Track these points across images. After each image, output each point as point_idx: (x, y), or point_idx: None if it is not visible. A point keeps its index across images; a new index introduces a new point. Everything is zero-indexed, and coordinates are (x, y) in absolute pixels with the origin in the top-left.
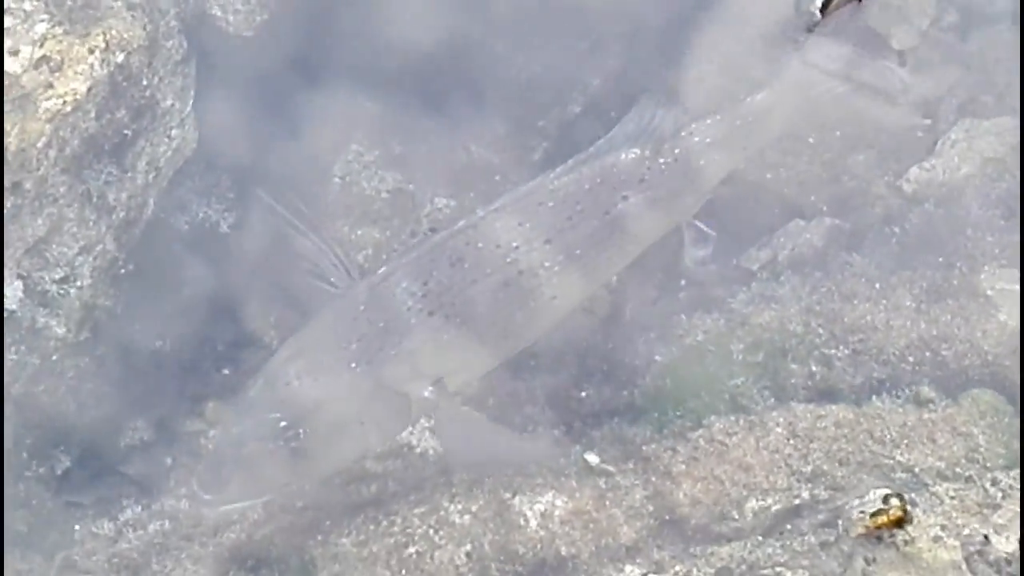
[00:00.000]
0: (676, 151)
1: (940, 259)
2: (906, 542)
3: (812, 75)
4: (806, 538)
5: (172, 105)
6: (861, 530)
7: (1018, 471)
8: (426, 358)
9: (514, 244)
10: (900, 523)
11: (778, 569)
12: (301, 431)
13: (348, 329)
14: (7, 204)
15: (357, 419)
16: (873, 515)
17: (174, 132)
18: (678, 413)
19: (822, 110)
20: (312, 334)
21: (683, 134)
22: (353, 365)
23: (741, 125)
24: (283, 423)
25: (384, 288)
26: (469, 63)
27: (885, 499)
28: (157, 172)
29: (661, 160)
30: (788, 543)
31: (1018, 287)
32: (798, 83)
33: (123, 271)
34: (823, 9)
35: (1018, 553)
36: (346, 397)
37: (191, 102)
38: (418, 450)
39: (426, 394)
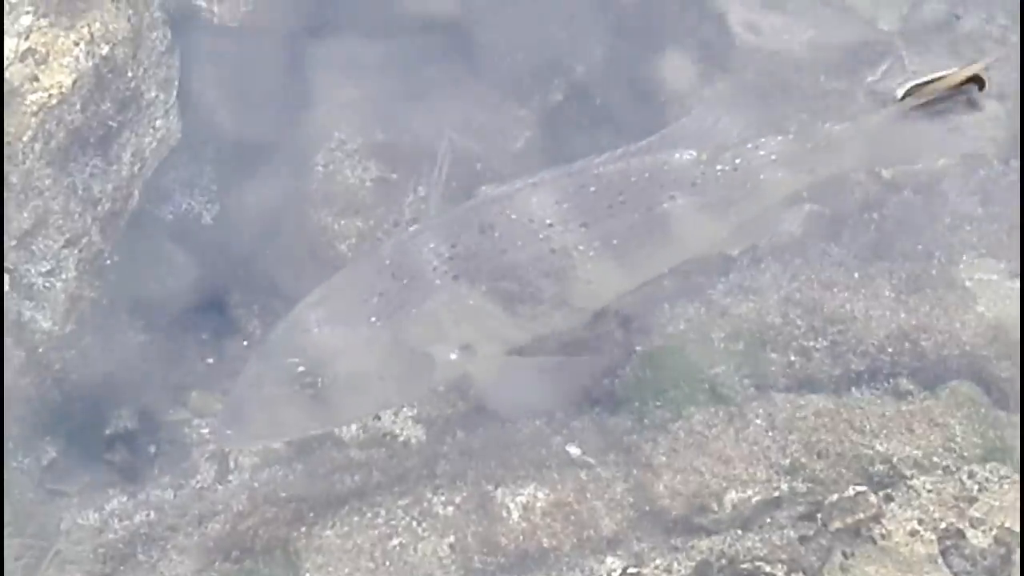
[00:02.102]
0: (737, 160)
1: (919, 247)
2: (883, 536)
3: (897, 133)
4: (785, 531)
5: (156, 96)
6: (838, 525)
7: (995, 464)
8: (449, 321)
9: (548, 221)
10: (876, 518)
11: (757, 563)
12: (319, 379)
13: (371, 283)
14: None
15: (376, 373)
16: (850, 510)
17: (159, 123)
18: (658, 403)
19: (904, 148)
20: (337, 284)
21: (748, 145)
22: (373, 319)
23: (812, 149)
24: (300, 368)
25: (411, 246)
26: (452, 51)
27: (860, 494)
28: (142, 163)
29: (719, 167)
30: (767, 536)
31: (996, 277)
32: (882, 128)
33: (108, 263)
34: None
35: (993, 547)
36: (365, 350)
37: (175, 93)
38: (401, 439)
39: (452, 357)
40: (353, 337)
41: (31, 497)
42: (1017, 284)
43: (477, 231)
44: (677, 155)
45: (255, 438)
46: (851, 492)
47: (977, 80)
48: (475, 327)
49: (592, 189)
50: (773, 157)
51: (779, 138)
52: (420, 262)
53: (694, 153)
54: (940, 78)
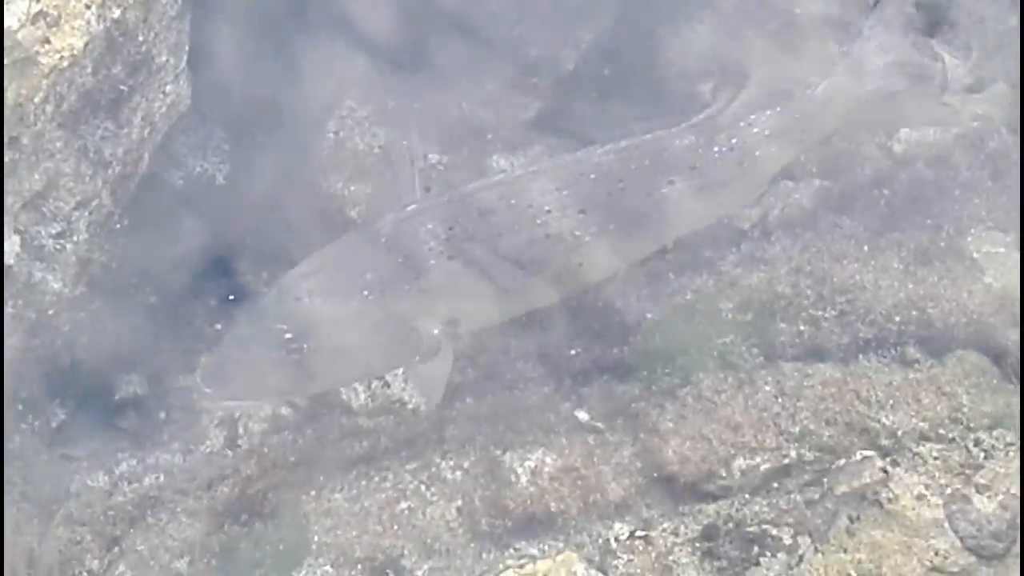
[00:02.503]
0: (733, 140)
1: (928, 221)
2: (890, 500)
3: (869, 69)
4: (792, 496)
5: (167, 61)
6: (845, 489)
7: (1001, 431)
8: (439, 299)
9: (547, 208)
10: (884, 483)
11: (764, 526)
12: (305, 346)
13: (367, 257)
14: (4, 159)
15: (362, 344)
16: (856, 475)
17: (168, 88)
18: (667, 371)
19: (876, 106)
20: (331, 255)
21: (741, 124)
22: (365, 293)
23: (800, 118)
24: (288, 335)
25: (409, 225)
26: (461, 20)
27: (868, 459)
28: (152, 127)
29: (716, 148)
30: (774, 501)
31: (1003, 249)
32: (856, 76)
33: (118, 226)
34: None
35: (999, 512)
36: (353, 322)
37: (185, 58)
38: (410, 406)
39: (435, 331)
40: (344, 309)
41: (43, 459)
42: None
43: (476, 214)
44: (676, 141)
45: (234, 397)
46: (858, 456)
47: None
48: (463, 304)
49: (592, 176)
50: (767, 132)
51: (768, 112)
52: (417, 241)
53: (692, 137)
54: None
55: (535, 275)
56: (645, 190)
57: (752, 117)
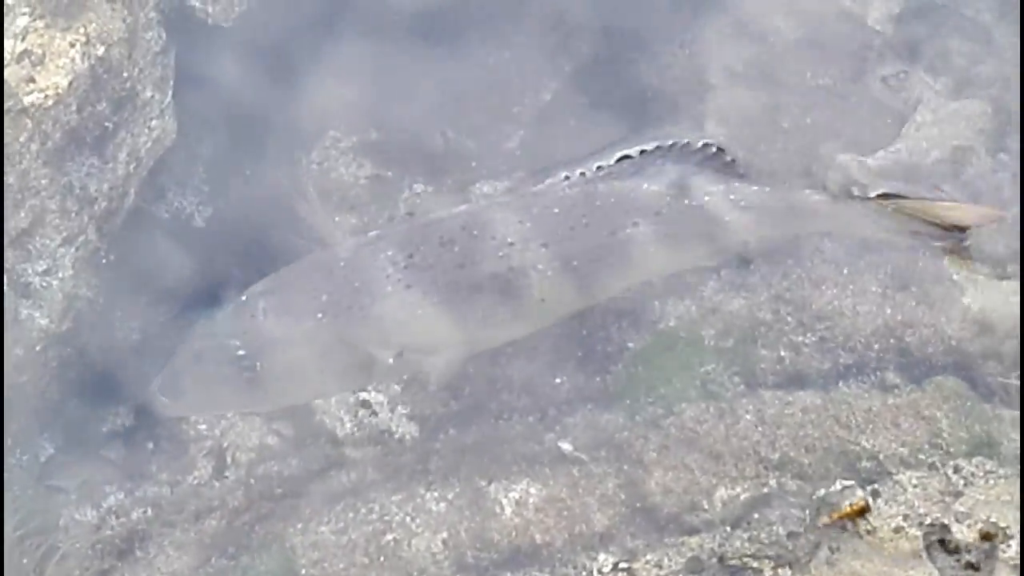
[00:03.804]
0: (705, 198)
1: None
2: (869, 531)
3: (873, 225)
4: (773, 528)
5: (152, 96)
6: (826, 520)
7: (980, 459)
8: (395, 327)
9: (509, 240)
10: (862, 513)
11: (745, 559)
12: (257, 364)
13: (323, 280)
14: None
15: (315, 366)
16: (837, 505)
17: (154, 123)
18: (650, 400)
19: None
20: (288, 276)
21: (720, 187)
22: (320, 315)
23: (784, 209)
24: (241, 352)
25: (368, 250)
26: (442, 50)
27: (847, 489)
28: (138, 162)
29: (686, 200)
30: (755, 533)
31: (985, 270)
32: (859, 219)
33: (104, 261)
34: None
35: (977, 541)
36: (306, 343)
37: (170, 93)
38: (396, 436)
39: (391, 361)
40: (297, 329)
41: (31, 494)
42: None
43: (437, 244)
44: (645, 185)
45: (189, 409)
46: (838, 486)
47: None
48: (420, 335)
49: (556, 210)
50: (743, 203)
51: (755, 188)
52: (375, 267)
53: (662, 186)
54: (925, 201)
55: (497, 309)
56: (609, 228)
57: (735, 185)
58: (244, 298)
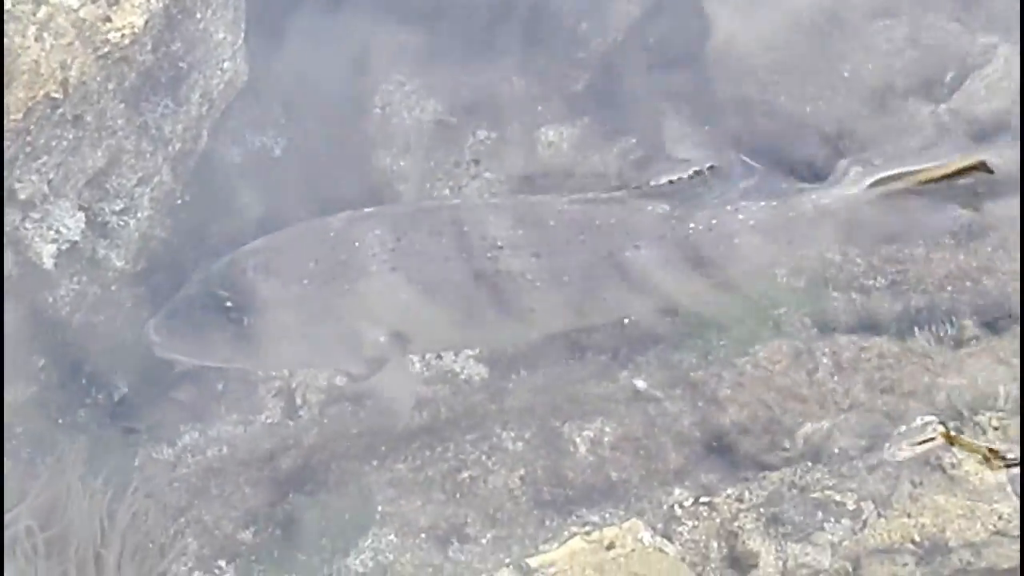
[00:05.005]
0: (713, 221)
1: None
2: (953, 466)
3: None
4: (854, 462)
5: (224, 38)
6: (908, 454)
7: None
8: (378, 307)
9: (499, 243)
10: (946, 448)
11: (827, 492)
12: (245, 319)
13: (312, 248)
14: (69, 136)
15: (299, 331)
16: (920, 441)
17: (226, 64)
18: (722, 341)
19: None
20: (282, 238)
21: (728, 207)
22: (305, 282)
23: (794, 218)
24: (228, 303)
25: (359, 226)
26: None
27: (929, 425)
28: (210, 104)
29: (691, 225)
30: (836, 467)
31: None
32: (868, 200)
33: (179, 202)
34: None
35: None
36: (291, 307)
37: (242, 35)
38: (463, 376)
39: (381, 339)
40: (282, 291)
41: (107, 432)
42: None
43: (426, 233)
44: (650, 207)
45: (178, 352)
46: (919, 422)
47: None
48: (405, 319)
49: (552, 223)
50: (751, 223)
51: (761, 203)
52: (363, 244)
53: (667, 207)
54: (923, 169)
55: (481, 309)
56: (607, 248)
57: (742, 204)
58: (237, 253)
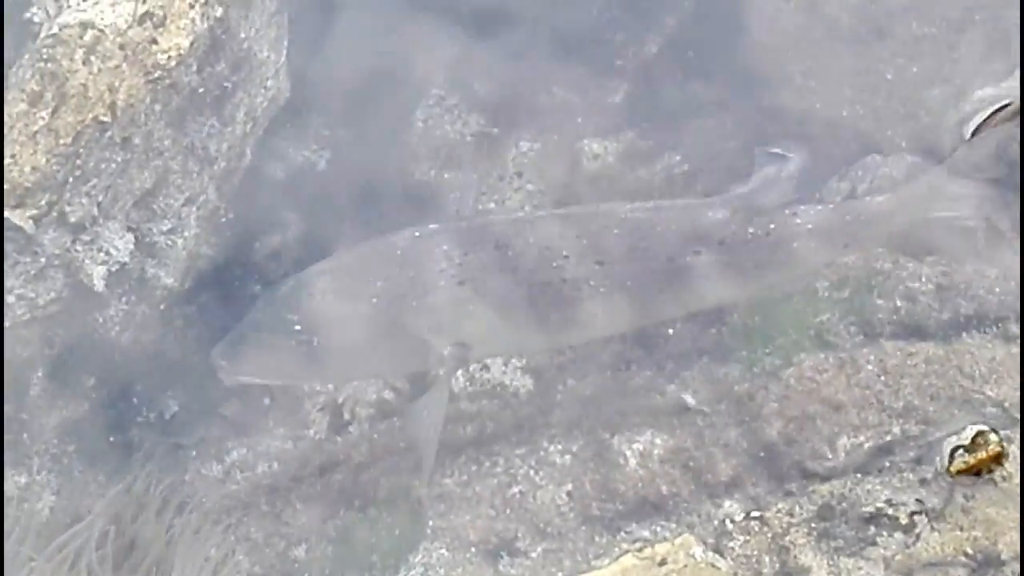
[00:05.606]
0: (771, 226)
1: None
2: (1004, 478)
3: (941, 197)
4: (905, 475)
5: (268, 56)
6: (960, 467)
7: None
8: (447, 319)
9: (564, 253)
10: (998, 459)
11: (879, 506)
12: (314, 339)
13: (380, 266)
14: (117, 159)
15: (369, 347)
16: (971, 451)
17: (269, 83)
18: (767, 351)
19: (936, 235)
20: (348, 258)
21: (786, 211)
22: (374, 300)
23: (851, 221)
24: (297, 327)
25: (426, 243)
26: (546, 4)
27: (982, 435)
28: (254, 122)
29: (751, 229)
30: (888, 480)
31: None
32: (925, 199)
33: (224, 220)
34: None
35: None
36: (361, 325)
37: (285, 52)
38: (511, 389)
39: (446, 352)
40: (351, 311)
41: (159, 450)
42: None
43: (492, 246)
44: (710, 213)
45: (245, 375)
46: (971, 432)
47: None
48: (473, 329)
49: (615, 231)
50: (809, 227)
51: (819, 207)
52: (430, 260)
53: (727, 212)
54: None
55: (547, 316)
56: (668, 254)
57: (800, 207)
58: (302, 276)
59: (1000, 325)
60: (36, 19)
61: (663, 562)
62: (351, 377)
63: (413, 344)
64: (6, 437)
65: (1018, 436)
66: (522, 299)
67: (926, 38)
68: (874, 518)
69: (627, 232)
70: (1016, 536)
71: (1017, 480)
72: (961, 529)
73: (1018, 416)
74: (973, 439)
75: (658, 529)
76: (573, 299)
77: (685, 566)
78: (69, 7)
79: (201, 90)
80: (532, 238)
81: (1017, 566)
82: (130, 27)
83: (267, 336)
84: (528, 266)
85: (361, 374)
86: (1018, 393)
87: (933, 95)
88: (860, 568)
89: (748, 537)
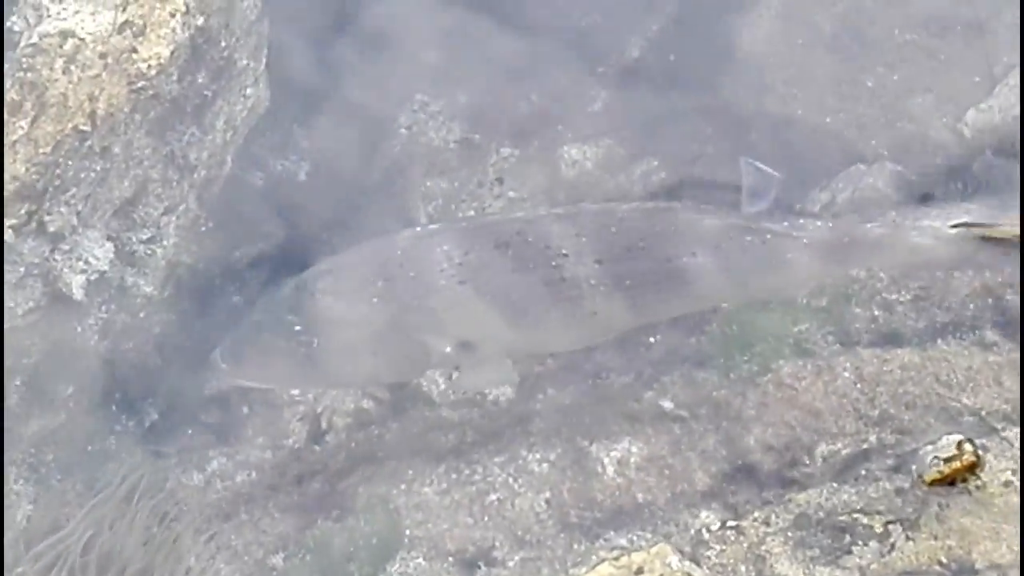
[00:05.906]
0: (767, 236)
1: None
2: (978, 487)
3: (942, 234)
4: (880, 484)
5: (247, 65)
6: (935, 476)
7: None
8: (448, 319)
9: (563, 251)
10: (972, 469)
11: (855, 515)
12: (314, 340)
13: (380, 266)
14: (96, 168)
15: (369, 349)
16: (946, 461)
17: (249, 91)
18: (745, 359)
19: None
20: (348, 259)
21: (784, 223)
22: (375, 300)
23: (848, 243)
24: (298, 327)
25: (426, 242)
26: (526, 10)
27: (957, 445)
28: (234, 131)
29: (748, 237)
30: (863, 489)
31: None
32: (927, 234)
33: (204, 229)
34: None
35: None
36: (361, 325)
37: (264, 61)
38: (491, 398)
39: (447, 351)
40: (352, 311)
41: (137, 459)
42: None
43: (492, 246)
44: (708, 219)
45: (248, 377)
46: (946, 441)
47: None
48: (473, 329)
49: (613, 230)
50: (805, 241)
51: (818, 223)
52: (431, 260)
53: (721, 220)
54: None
55: (547, 315)
56: (666, 255)
57: (799, 221)
58: (303, 277)
59: (976, 332)
60: (16, 28)
61: (639, 571)
62: (351, 381)
63: (413, 346)
64: None
65: (992, 444)
66: (522, 298)
67: (908, 45)
68: (849, 527)
69: (626, 231)
70: (990, 545)
71: (991, 489)
72: (936, 538)
73: (995, 425)
74: (949, 449)
75: (634, 538)
76: (574, 298)
77: (661, 575)
78: (49, 16)
79: (181, 98)
80: (531, 237)
81: (992, 574)
82: (110, 36)
83: (268, 337)
84: (528, 265)
85: (361, 376)
86: (996, 401)
87: (916, 103)
88: None
89: (724, 546)
